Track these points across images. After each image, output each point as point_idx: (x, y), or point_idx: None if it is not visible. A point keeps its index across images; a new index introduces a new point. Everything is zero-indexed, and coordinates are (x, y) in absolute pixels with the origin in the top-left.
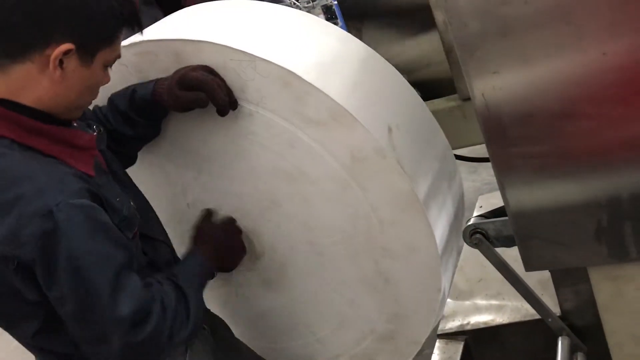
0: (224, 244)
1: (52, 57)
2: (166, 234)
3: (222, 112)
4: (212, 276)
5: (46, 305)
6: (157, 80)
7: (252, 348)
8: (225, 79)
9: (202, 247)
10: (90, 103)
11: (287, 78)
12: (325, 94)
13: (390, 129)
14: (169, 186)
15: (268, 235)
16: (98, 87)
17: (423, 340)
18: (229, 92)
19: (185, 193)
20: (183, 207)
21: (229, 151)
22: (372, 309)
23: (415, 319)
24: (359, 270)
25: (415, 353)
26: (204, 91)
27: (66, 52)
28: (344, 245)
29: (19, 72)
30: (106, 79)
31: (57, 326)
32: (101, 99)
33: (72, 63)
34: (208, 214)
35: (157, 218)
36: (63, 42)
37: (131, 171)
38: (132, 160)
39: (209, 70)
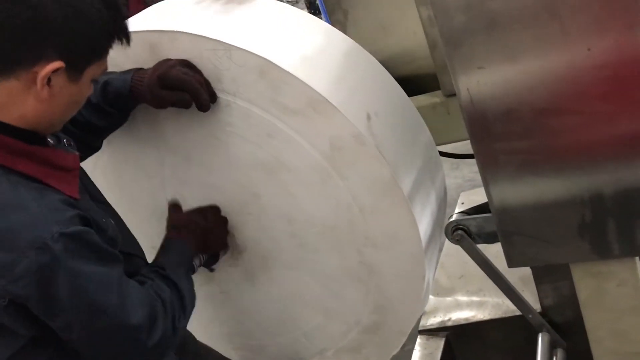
0: (200, 225)
1: (41, 75)
2: (140, 247)
3: (204, 110)
4: (198, 259)
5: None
6: (133, 74)
7: (239, 347)
8: (201, 69)
9: (178, 233)
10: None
11: (263, 66)
12: (302, 82)
13: (369, 117)
14: (148, 181)
15: (250, 229)
16: (83, 101)
17: (409, 331)
18: (207, 84)
19: (165, 188)
20: (163, 202)
21: (206, 143)
22: (357, 300)
23: (401, 309)
24: (342, 261)
25: (401, 344)
26: (187, 92)
27: (56, 70)
28: (326, 236)
29: (2, 89)
30: (90, 91)
31: (39, 347)
32: None
33: (60, 80)
34: (176, 204)
35: (130, 232)
36: (52, 59)
37: (109, 167)
38: (97, 149)
39: (187, 64)
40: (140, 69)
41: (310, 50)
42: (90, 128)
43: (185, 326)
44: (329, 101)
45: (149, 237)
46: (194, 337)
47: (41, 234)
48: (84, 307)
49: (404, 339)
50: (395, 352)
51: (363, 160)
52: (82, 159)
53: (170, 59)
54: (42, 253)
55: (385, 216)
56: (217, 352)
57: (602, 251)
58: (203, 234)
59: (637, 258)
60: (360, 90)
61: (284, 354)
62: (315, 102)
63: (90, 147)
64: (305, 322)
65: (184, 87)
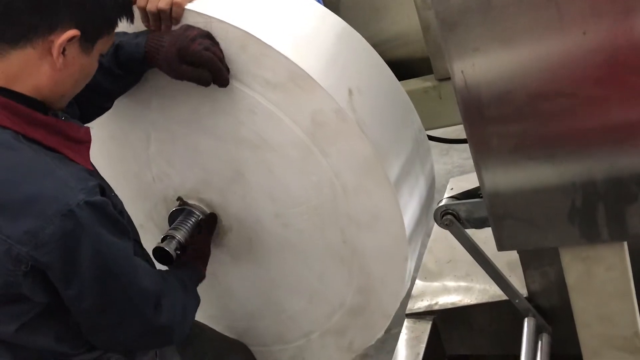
0: (209, 253)
1: (57, 43)
2: (135, 229)
3: (224, 86)
4: None
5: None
6: (146, 39)
7: (224, 330)
8: None
9: (200, 262)
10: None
11: (244, 39)
12: (282, 55)
13: (350, 92)
14: (134, 160)
15: (234, 208)
16: (91, 76)
17: (392, 314)
18: (222, 57)
19: (150, 166)
20: (149, 180)
21: (190, 120)
22: (341, 281)
23: (384, 290)
24: (325, 241)
25: (385, 327)
26: (208, 70)
27: (71, 39)
28: (309, 216)
29: (18, 59)
30: (96, 67)
31: (49, 318)
32: None
33: (73, 50)
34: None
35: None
36: (69, 28)
37: (96, 145)
38: (108, 109)
39: (207, 35)
40: (153, 32)
41: (294, 25)
42: (102, 90)
43: (186, 332)
44: (309, 74)
45: (135, 217)
46: None
47: (68, 201)
48: (101, 274)
49: (387, 322)
50: (379, 335)
51: (344, 137)
52: (92, 119)
53: (190, 28)
54: (68, 220)
55: (368, 195)
56: (210, 330)
57: (591, 236)
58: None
59: (625, 243)
60: (343, 66)
61: (270, 337)
62: (296, 76)
63: (101, 108)
64: (290, 304)
65: (205, 65)
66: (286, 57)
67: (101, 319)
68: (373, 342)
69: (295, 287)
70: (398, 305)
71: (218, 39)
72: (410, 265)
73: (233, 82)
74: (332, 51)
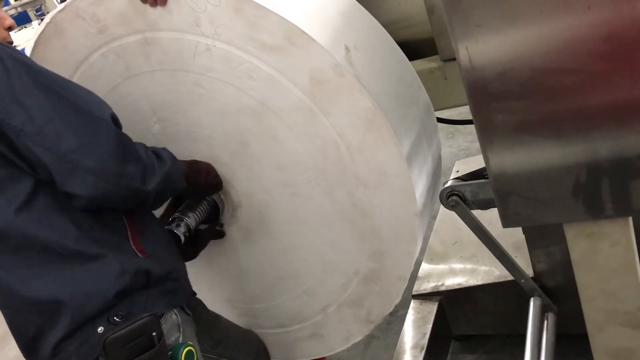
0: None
1: None
2: None
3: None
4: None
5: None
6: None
7: (241, 313)
8: (179, 15)
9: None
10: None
11: (237, 3)
12: (276, 14)
13: (347, 48)
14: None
15: (242, 181)
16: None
17: (408, 276)
18: None
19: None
20: None
21: (191, 93)
22: (354, 247)
23: (397, 251)
24: (335, 206)
25: (402, 291)
26: None
27: None
28: (317, 181)
29: None
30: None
31: (42, 200)
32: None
33: None
34: None
35: None
36: None
37: None
38: None
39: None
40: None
41: None
42: None
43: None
44: (304, 31)
45: None
46: (203, 304)
47: None
48: (36, 84)
49: (404, 286)
50: (396, 301)
51: (344, 93)
52: None
53: None
54: None
55: (373, 152)
56: (225, 319)
57: (596, 211)
58: (197, 168)
59: (630, 218)
60: (338, 25)
61: (287, 316)
62: (291, 34)
63: None
64: (305, 277)
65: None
66: (281, 16)
67: (62, 146)
68: (391, 310)
69: (308, 258)
70: (412, 266)
71: (213, 6)
72: (423, 224)
73: (230, 49)
74: (327, 12)
